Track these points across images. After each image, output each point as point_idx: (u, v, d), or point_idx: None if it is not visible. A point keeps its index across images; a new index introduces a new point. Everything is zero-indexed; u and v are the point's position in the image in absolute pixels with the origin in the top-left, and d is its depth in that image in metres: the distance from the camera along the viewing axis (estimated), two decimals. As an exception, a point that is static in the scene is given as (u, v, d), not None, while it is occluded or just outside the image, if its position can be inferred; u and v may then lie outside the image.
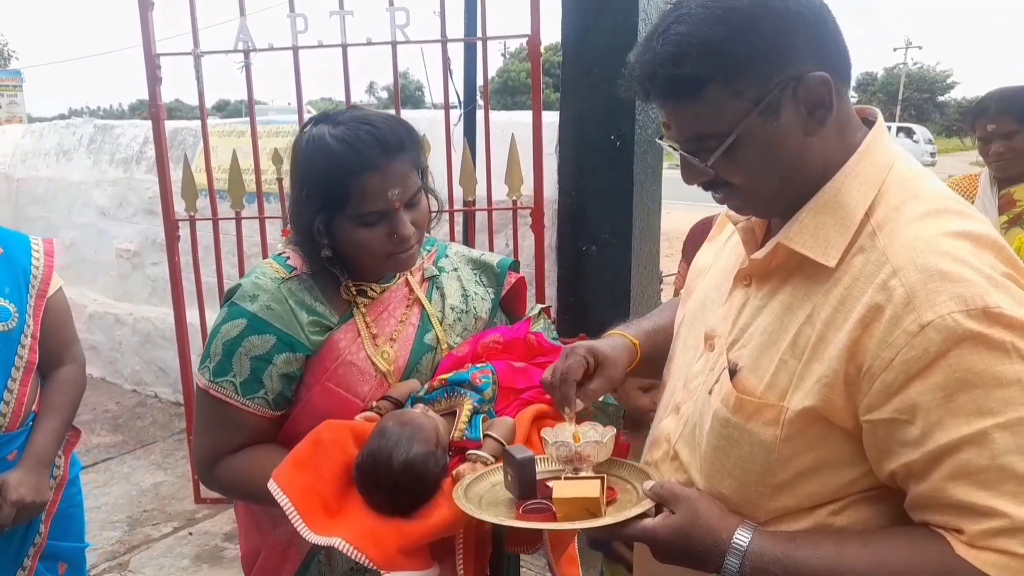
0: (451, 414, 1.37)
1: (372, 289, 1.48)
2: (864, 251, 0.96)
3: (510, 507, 1.16)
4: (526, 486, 1.15)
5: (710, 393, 1.09)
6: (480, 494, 1.20)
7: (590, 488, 1.07)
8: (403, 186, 1.34)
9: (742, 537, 0.98)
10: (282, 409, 1.42)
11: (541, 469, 1.21)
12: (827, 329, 0.95)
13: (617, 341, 1.33)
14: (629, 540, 1.07)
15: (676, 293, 2.53)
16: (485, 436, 1.33)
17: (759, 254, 1.05)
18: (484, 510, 1.14)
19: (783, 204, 1.04)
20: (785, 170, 1.00)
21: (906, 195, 0.98)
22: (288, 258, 1.46)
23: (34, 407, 1.94)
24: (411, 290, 1.54)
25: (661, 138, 1.07)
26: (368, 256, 1.39)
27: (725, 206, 1.13)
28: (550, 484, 1.13)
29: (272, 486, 1.23)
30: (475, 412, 1.36)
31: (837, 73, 0.97)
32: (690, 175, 1.04)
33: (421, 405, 1.38)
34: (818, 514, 1.01)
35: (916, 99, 51.56)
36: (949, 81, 54.38)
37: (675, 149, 1.04)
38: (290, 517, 1.21)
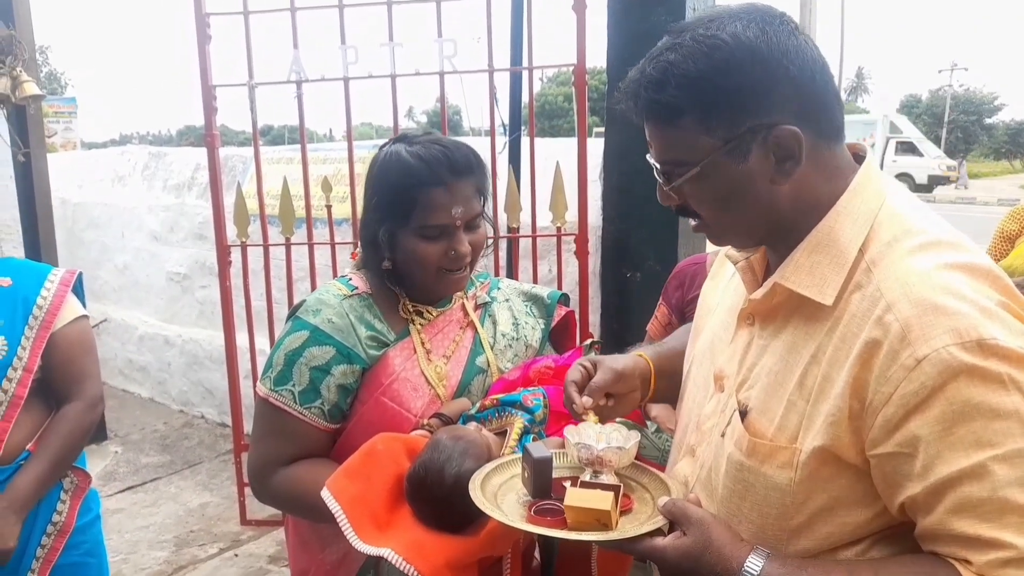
0: (502, 433, 1.38)
1: (429, 311, 1.54)
2: (861, 287, 0.96)
3: (523, 504, 1.15)
4: (541, 486, 1.14)
5: (723, 436, 1.10)
6: (497, 486, 1.20)
7: (602, 499, 1.05)
8: (465, 206, 1.42)
9: (754, 564, 0.97)
10: (336, 422, 1.46)
11: (560, 464, 1.20)
12: (831, 368, 0.96)
13: (626, 355, 1.37)
14: (638, 556, 1.07)
15: (649, 340, 2.26)
16: None
17: (758, 294, 1.07)
18: (498, 505, 1.14)
19: (753, 242, 1.08)
20: (748, 211, 1.02)
21: (898, 230, 0.98)
22: (351, 279, 1.54)
23: (29, 445, 1.86)
24: (465, 314, 1.59)
25: (647, 155, 1.09)
26: (422, 269, 1.45)
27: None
28: (566, 484, 1.13)
29: (324, 493, 1.25)
30: (526, 431, 1.37)
31: (817, 129, 0.98)
32: (661, 196, 1.07)
33: (474, 423, 1.40)
34: (842, 556, 1.00)
35: (963, 121, 50.57)
36: (996, 103, 53.33)
37: (655, 169, 1.07)
38: (340, 524, 1.22)
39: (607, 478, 1.12)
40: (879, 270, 0.95)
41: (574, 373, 1.31)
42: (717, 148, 0.97)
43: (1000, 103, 53.21)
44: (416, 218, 1.41)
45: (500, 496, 1.17)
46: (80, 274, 2.02)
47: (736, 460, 1.05)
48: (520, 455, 1.24)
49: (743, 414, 1.06)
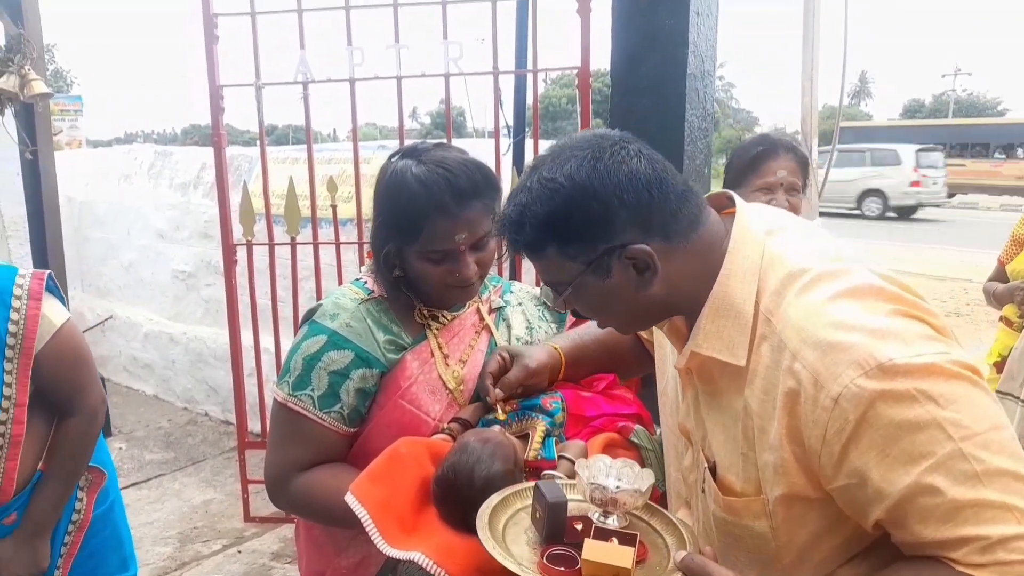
0: (523, 436, 1.38)
1: (444, 316, 1.54)
2: (766, 338, 1.02)
3: (533, 547, 1.11)
4: (554, 530, 1.10)
5: (703, 492, 1.16)
6: (503, 520, 1.16)
7: (623, 556, 1.02)
8: (470, 231, 1.39)
9: None
10: (355, 426, 1.45)
11: (569, 496, 1.14)
12: (762, 420, 1.02)
13: (540, 345, 1.53)
14: None
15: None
16: (560, 457, 1.33)
17: (679, 361, 1.13)
18: (507, 544, 1.10)
19: (651, 325, 1.19)
20: (630, 311, 1.11)
21: (782, 274, 1.04)
22: (366, 282, 1.53)
23: (40, 466, 1.82)
24: (480, 318, 1.59)
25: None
26: (428, 287, 1.46)
27: None
28: (579, 527, 1.10)
29: (349, 498, 1.24)
30: (547, 434, 1.37)
31: (666, 236, 1.05)
32: (557, 306, 1.17)
33: (496, 426, 1.39)
34: (840, 574, 1.05)
35: (966, 126, 50.44)
36: (999, 108, 53.24)
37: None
38: (367, 529, 1.21)
39: (616, 519, 1.11)
40: (776, 319, 1.01)
41: (492, 364, 1.45)
42: (581, 271, 1.06)
43: (1003, 108, 53.17)
44: (420, 242, 1.39)
45: (507, 531, 1.14)
46: (50, 274, 1.81)
47: (719, 516, 1.12)
48: (528, 485, 1.21)
49: (712, 471, 1.12)
